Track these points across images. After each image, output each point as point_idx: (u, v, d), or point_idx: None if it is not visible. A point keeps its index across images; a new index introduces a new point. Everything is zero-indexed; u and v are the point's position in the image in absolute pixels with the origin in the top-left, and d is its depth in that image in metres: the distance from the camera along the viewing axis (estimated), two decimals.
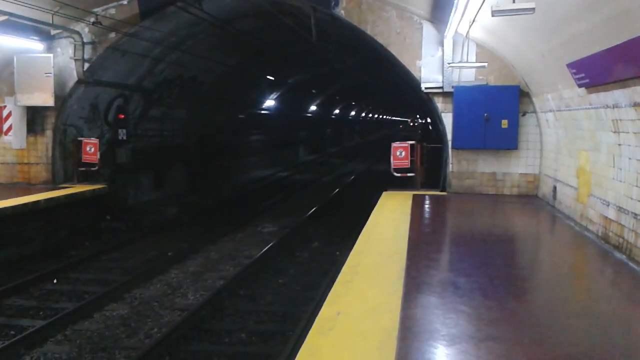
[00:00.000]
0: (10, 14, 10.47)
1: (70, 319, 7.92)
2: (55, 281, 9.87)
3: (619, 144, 6.77)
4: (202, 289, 9.55)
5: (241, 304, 8.91)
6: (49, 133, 13.13)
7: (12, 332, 7.58)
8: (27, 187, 12.87)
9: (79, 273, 10.42)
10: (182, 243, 12.59)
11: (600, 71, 6.49)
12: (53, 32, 12.55)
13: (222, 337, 7.63)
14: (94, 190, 12.77)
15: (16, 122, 13.06)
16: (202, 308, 8.26)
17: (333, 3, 11.66)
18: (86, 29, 12.58)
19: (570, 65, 7.30)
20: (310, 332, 4.32)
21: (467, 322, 4.52)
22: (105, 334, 7.61)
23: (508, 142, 11.15)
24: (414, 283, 5.52)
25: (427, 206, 10.65)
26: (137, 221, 14.28)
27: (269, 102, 27.48)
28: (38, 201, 11.05)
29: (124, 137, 15.25)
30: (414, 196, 11.41)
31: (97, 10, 12.16)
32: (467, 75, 11.25)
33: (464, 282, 5.58)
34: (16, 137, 13.14)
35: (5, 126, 13.10)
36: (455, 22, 8.66)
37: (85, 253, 11.71)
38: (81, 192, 12.35)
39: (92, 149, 13.16)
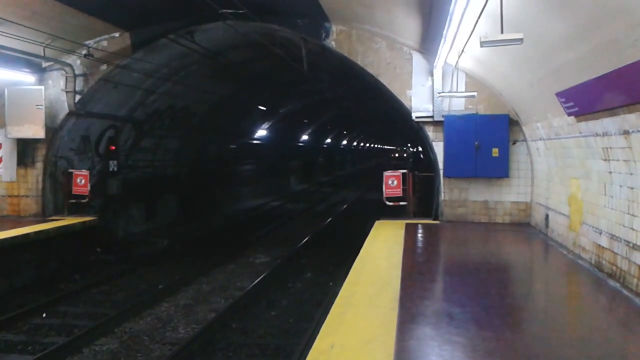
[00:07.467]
0: (1, 47, 10.52)
1: (59, 354, 7.75)
2: (44, 315, 9.71)
3: (610, 172, 6.81)
4: (193, 322, 9.41)
5: (233, 337, 8.77)
6: (39, 165, 13.06)
7: None
8: (17, 219, 12.74)
9: (68, 306, 10.26)
10: (173, 275, 12.45)
11: (589, 100, 6.55)
12: (44, 64, 12.58)
13: None
14: (84, 222, 12.65)
15: (6, 154, 13.00)
16: (193, 342, 8.12)
17: (324, 34, 11.80)
18: (78, 61, 12.63)
19: (559, 94, 7.37)
20: None
21: (463, 354, 4.46)
22: None
23: (499, 170, 11.20)
24: (409, 314, 5.46)
25: (420, 235, 10.62)
26: (127, 253, 14.15)
27: (261, 132, 27.60)
28: (28, 234, 10.92)
29: (115, 169, 15.19)
30: (407, 225, 11.38)
31: (89, 42, 12.22)
32: (457, 105, 11.36)
33: (458, 313, 5.53)
34: (6, 169, 13.07)
35: None
36: (445, 52, 8.77)
37: (75, 286, 11.53)
38: (71, 225, 12.23)
39: (83, 181, 13.07)
